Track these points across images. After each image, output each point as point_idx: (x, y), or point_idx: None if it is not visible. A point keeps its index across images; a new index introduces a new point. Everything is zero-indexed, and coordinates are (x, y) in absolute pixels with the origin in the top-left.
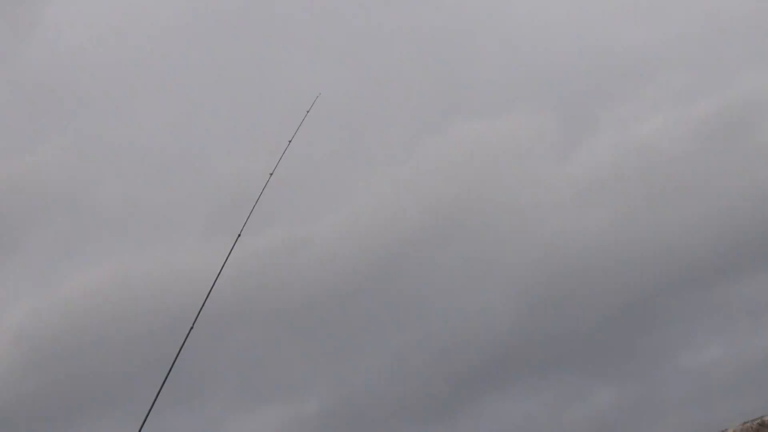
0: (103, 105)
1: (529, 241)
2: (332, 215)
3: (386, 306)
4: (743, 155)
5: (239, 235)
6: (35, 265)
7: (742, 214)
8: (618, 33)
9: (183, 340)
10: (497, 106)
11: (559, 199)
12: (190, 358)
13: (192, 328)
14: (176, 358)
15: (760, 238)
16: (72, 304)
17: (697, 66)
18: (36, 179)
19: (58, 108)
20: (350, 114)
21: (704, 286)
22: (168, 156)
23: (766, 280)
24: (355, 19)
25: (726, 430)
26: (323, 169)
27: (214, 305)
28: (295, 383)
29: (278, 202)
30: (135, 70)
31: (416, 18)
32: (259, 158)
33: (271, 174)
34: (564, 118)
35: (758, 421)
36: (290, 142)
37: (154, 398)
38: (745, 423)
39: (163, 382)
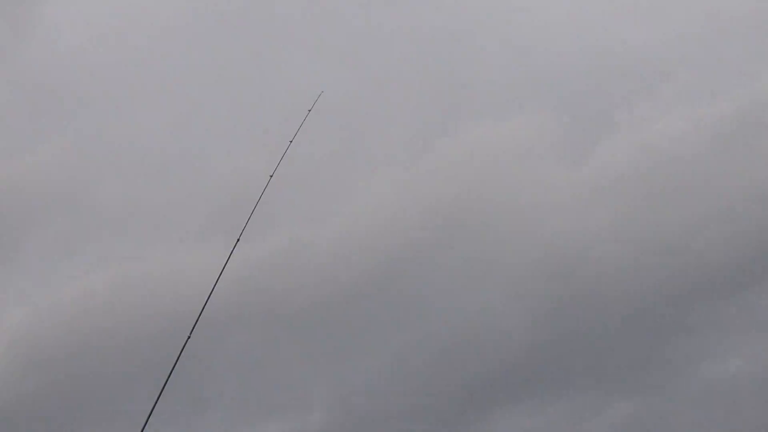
0: (103, 105)
1: (533, 244)
2: (333, 217)
3: (388, 309)
4: (760, 156)
5: (238, 239)
6: (34, 267)
7: (761, 218)
8: (625, 32)
9: (182, 345)
10: (500, 107)
11: (565, 202)
12: (190, 363)
13: (189, 337)
14: (175, 365)
15: None
16: (71, 306)
17: (709, 65)
18: (35, 179)
19: (57, 108)
20: (351, 114)
21: (724, 294)
22: (168, 156)
23: None
24: (356, 18)
25: None
26: (324, 169)
27: (214, 309)
28: (297, 389)
29: (279, 204)
30: (135, 70)
31: (418, 17)
32: (260, 159)
33: (272, 175)
34: (568, 120)
35: None
36: (291, 141)
37: (153, 404)
38: None
39: (162, 390)
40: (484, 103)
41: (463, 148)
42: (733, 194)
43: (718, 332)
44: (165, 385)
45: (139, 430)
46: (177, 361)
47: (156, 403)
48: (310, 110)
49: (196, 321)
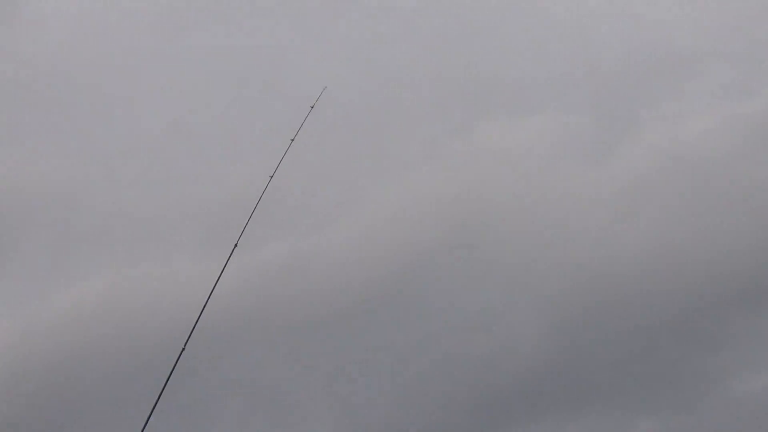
0: (92, 103)
1: (561, 254)
2: (338, 222)
3: (399, 322)
4: None
5: (236, 245)
6: (20, 276)
7: None
8: (658, 25)
9: (176, 358)
10: (526, 105)
11: (594, 207)
12: (184, 377)
13: (184, 349)
14: (168, 379)
15: None
16: (59, 317)
17: (746, 60)
18: (21, 183)
19: (44, 107)
20: (358, 111)
21: (760, 304)
22: (162, 156)
23: None
24: (364, 7)
25: None
26: (328, 171)
27: (210, 320)
28: (299, 405)
29: (279, 208)
30: (128, 65)
31: (433, 8)
32: (259, 159)
33: (272, 176)
34: (599, 118)
35: None
36: (292, 141)
37: (144, 422)
38: None
39: (154, 406)
40: (501, 100)
41: (486, 151)
42: None
43: (753, 344)
44: (157, 401)
45: None
46: (170, 375)
47: (148, 420)
48: (312, 107)
49: (191, 332)
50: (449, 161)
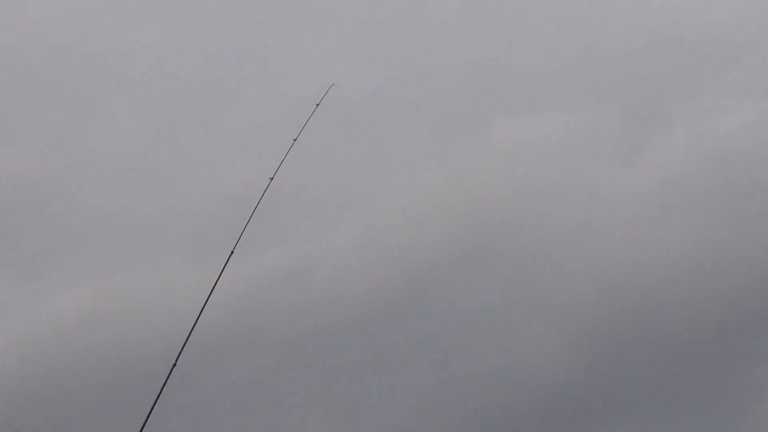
0: (75, 97)
1: (587, 262)
2: (343, 227)
3: (409, 336)
4: None
5: (232, 252)
6: None
7: None
8: (691, 11)
9: (166, 375)
10: (545, 100)
11: (621, 210)
12: (175, 396)
13: (174, 365)
14: (157, 398)
15: None
16: (35, 333)
17: None
18: None
19: (21, 101)
20: (366, 109)
21: None
22: (153, 156)
23: None
24: None
25: None
26: (333, 172)
27: (203, 333)
28: (300, 429)
29: (280, 212)
30: (117, 57)
31: (446, 0)
32: (258, 159)
33: (272, 179)
34: (626, 113)
35: None
36: (295, 140)
37: None
38: None
39: (142, 429)
40: (518, 95)
41: (494, 148)
42: None
43: None
44: (145, 423)
45: None
46: (159, 394)
47: None
48: (318, 105)
49: (182, 347)
50: (461, 161)
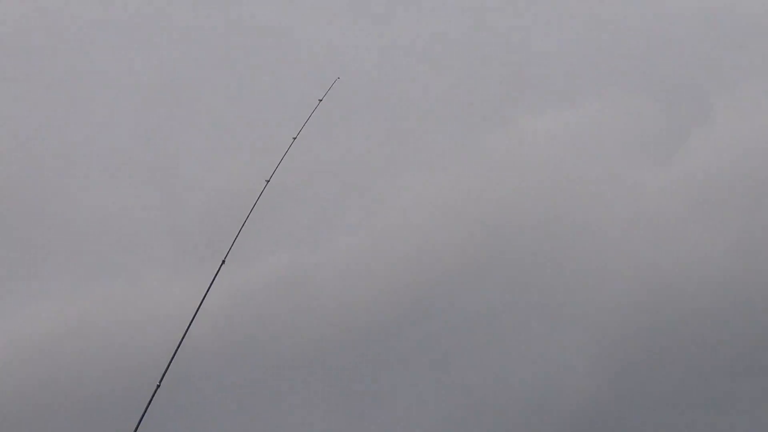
0: (53, 89)
1: (617, 267)
2: (347, 234)
3: (422, 351)
4: None
5: (224, 261)
6: None
7: None
8: None
9: (150, 397)
10: (575, 90)
11: (659, 212)
12: (160, 421)
13: (159, 385)
14: (140, 422)
15: None
16: (8, 351)
17: None
18: None
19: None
20: (374, 104)
21: None
22: (137, 155)
23: None
24: None
25: None
26: (337, 174)
27: (192, 351)
28: None
29: (277, 217)
30: (99, 43)
31: None
32: (254, 159)
33: (268, 181)
34: (663, 104)
35: None
36: (294, 138)
37: None
38: None
39: None
40: (545, 85)
41: (519, 143)
42: None
43: None
44: None
45: None
46: (142, 418)
47: None
48: (321, 100)
49: (168, 366)
50: (479, 159)
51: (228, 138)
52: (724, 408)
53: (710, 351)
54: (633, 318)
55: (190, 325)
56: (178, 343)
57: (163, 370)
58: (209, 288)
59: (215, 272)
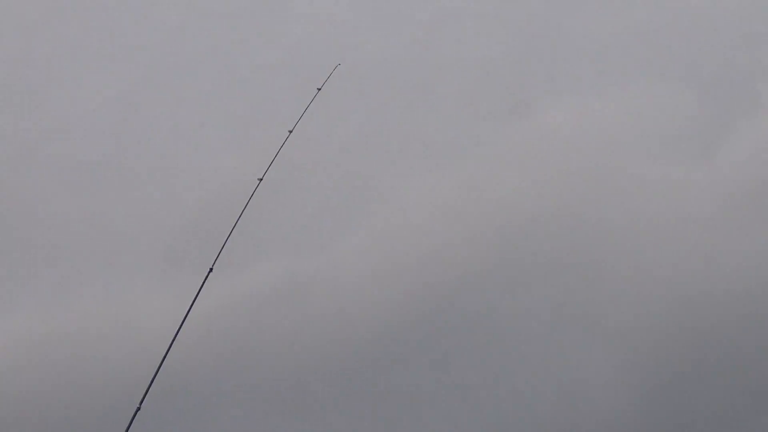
0: (24, 79)
1: (651, 277)
2: (349, 238)
3: (432, 378)
4: None
5: (211, 270)
6: None
7: None
8: None
9: (129, 421)
10: (603, 76)
11: (698, 215)
12: None
13: (139, 408)
14: None
15: None
16: None
17: None
18: None
19: None
20: (378, 93)
21: None
22: (117, 153)
23: None
24: None
25: None
26: (337, 171)
27: (175, 373)
28: None
29: (271, 220)
30: (79, 37)
31: None
32: (246, 155)
33: (261, 179)
34: (703, 94)
35: None
36: (291, 132)
37: None
38: None
39: None
40: (570, 70)
41: (539, 135)
42: None
43: None
44: None
45: None
46: None
47: None
48: (319, 89)
49: (149, 386)
50: (496, 153)
51: (216, 132)
52: (766, 428)
53: (752, 366)
54: (666, 328)
55: (173, 340)
56: (160, 361)
57: (144, 391)
58: (195, 299)
59: (202, 281)
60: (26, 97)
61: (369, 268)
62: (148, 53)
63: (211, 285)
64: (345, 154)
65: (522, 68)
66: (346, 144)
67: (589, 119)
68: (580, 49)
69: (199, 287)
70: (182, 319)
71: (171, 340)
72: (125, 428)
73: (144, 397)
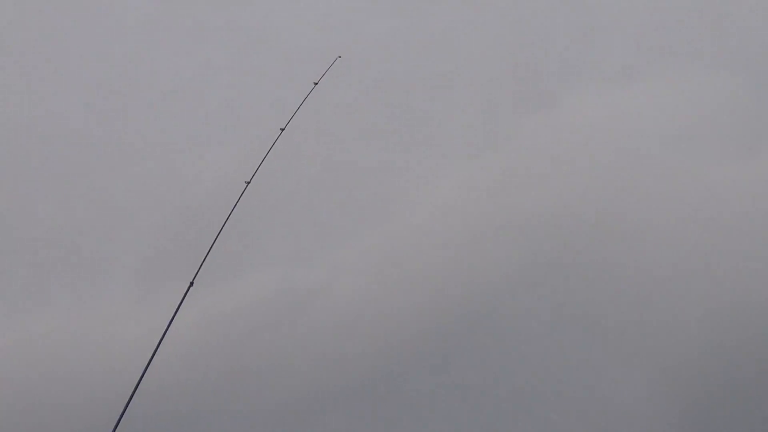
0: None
1: (692, 288)
2: (351, 247)
3: (446, 403)
4: None
5: (191, 284)
6: None
7: None
8: None
9: None
10: (639, 65)
11: (745, 218)
12: None
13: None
14: None
15: None
16: None
17: None
18: None
19: None
20: (387, 86)
21: None
22: (89, 151)
23: None
24: None
25: None
26: (337, 172)
27: (153, 396)
28: None
29: (260, 227)
30: (49, 18)
31: None
32: (233, 156)
33: (248, 182)
34: (749, 84)
35: None
36: (282, 130)
37: None
38: None
39: None
40: (601, 58)
41: (565, 128)
42: None
43: None
44: None
45: None
46: None
47: None
48: (316, 83)
49: (123, 411)
50: (517, 148)
51: (203, 131)
52: None
53: None
54: (709, 346)
55: (150, 361)
56: (135, 383)
57: (118, 418)
58: (174, 316)
59: (183, 296)
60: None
61: (374, 283)
62: (138, 52)
63: (194, 300)
64: (345, 153)
65: (547, 54)
66: (347, 142)
67: (621, 111)
68: (614, 34)
69: (180, 300)
70: (160, 337)
71: (148, 361)
72: None
73: (118, 423)
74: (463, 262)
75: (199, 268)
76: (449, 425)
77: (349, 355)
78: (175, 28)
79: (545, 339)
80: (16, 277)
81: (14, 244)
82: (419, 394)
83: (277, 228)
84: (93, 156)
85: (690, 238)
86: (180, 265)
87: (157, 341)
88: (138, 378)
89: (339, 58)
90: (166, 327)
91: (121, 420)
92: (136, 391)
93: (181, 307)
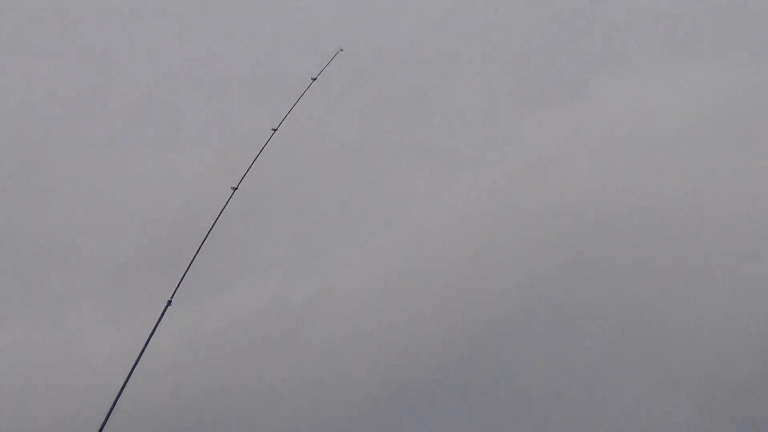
0: None
1: (738, 301)
2: (352, 255)
3: (450, 398)
4: None
5: (170, 302)
6: None
7: None
8: None
9: None
10: (674, 54)
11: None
12: None
13: None
14: None
15: None
16: None
17: None
18: None
19: None
20: (388, 81)
21: None
22: (61, 155)
23: None
24: None
25: None
26: (333, 177)
27: (128, 422)
28: None
29: (247, 237)
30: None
31: None
32: (219, 160)
33: (235, 188)
34: (754, 83)
35: None
36: (275, 130)
37: None
38: None
39: None
40: (634, 47)
41: (594, 124)
42: None
43: None
44: None
45: None
46: None
47: None
48: (314, 79)
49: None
50: (539, 143)
51: (189, 131)
52: None
53: None
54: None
55: (126, 381)
56: (111, 405)
57: None
58: (151, 335)
59: (160, 315)
60: None
61: (379, 297)
62: (118, 46)
63: (173, 317)
64: (343, 155)
65: (573, 41)
66: (345, 143)
67: (655, 102)
68: (646, 20)
69: (157, 320)
70: (137, 357)
71: (123, 383)
72: None
73: None
74: (463, 264)
75: (179, 284)
76: (449, 425)
77: (349, 373)
78: (175, 27)
79: (545, 339)
80: None
81: None
82: (419, 394)
83: (266, 236)
84: (67, 160)
85: (737, 244)
86: (161, 276)
87: (135, 359)
88: (113, 399)
89: (341, 51)
90: (144, 344)
91: None
92: (111, 412)
93: (160, 326)
